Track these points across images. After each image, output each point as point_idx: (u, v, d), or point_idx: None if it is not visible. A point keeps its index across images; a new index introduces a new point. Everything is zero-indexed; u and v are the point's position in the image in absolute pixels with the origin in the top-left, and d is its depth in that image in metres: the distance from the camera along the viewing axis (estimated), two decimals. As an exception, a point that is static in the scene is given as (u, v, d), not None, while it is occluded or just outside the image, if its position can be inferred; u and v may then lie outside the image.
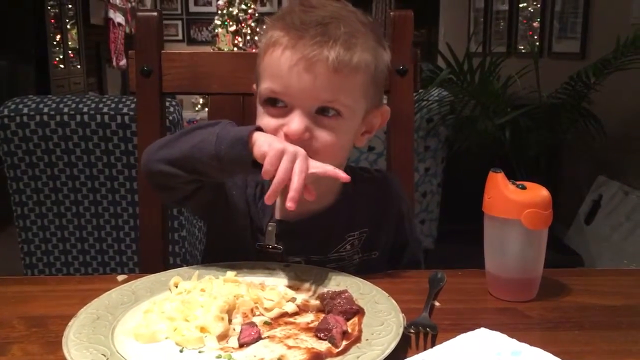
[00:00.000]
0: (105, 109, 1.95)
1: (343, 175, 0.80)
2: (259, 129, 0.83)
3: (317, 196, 0.94)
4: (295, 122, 0.84)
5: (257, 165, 0.79)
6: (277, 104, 0.87)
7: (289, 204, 0.76)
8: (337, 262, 0.92)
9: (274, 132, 0.85)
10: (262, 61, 0.89)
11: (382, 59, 0.91)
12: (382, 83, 0.94)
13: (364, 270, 0.90)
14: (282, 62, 0.84)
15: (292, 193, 0.76)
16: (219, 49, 5.38)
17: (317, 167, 0.80)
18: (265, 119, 0.88)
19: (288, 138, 0.84)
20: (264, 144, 0.79)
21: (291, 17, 0.86)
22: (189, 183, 0.89)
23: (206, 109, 4.63)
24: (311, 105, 0.85)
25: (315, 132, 0.86)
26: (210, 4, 7.72)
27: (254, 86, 0.95)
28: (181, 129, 2.00)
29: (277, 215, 0.97)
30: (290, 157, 0.77)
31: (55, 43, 5.73)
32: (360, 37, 0.86)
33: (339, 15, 0.86)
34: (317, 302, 0.79)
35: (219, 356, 0.67)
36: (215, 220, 1.02)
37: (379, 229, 1.00)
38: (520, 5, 4.63)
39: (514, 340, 0.66)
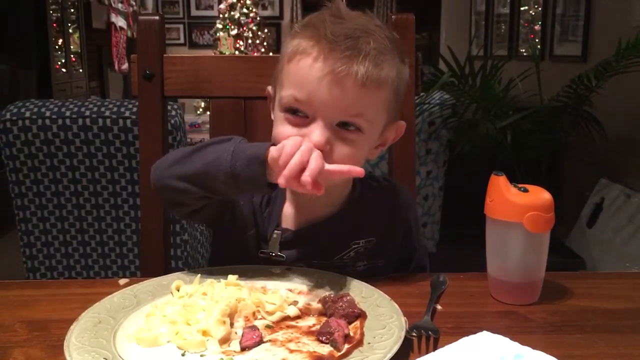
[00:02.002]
0: (107, 113, 1.95)
1: (357, 169, 0.80)
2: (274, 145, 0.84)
3: (324, 203, 0.94)
4: (317, 133, 0.83)
5: (272, 185, 0.80)
6: (297, 113, 0.86)
7: (305, 178, 0.74)
8: (339, 268, 0.92)
9: None
10: (286, 67, 0.88)
11: (403, 75, 0.91)
12: (401, 99, 0.93)
13: (368, 277, 0.90)
14: (310, 73, 0.83)
15: (307, 172, 0.75)
16: (221, 52, 5.39)
17: (332, 165, 0.79)
18: (284, 127, 0.87)
19: None
20: (278, 147, 0.78)
21: (321, 27, 0.84)
22: (199, 199, 0.89)
23: (208, 113, 4.63)
24: (334, 118, 0.85)
25: (335, 145, 0.85)
26: (211, 7, 7.73)
27: (269, 88, 0.94)
28: (183, 132, 2.00)
29: (283, 223, 0.97)
30: (307, 147, 0.77)
31: (57, 47, 5.73)
32: (387, 53, 0.86)
33: (367, 30, 0.85)
34: (319, 305, 0.79)
35: (221, 360, 0.67)
36: (222, 229, 1.02)
37: (386, 239, 1.00)
38: (522, 9, 4.63)
39: (516, 344, 0.66)
